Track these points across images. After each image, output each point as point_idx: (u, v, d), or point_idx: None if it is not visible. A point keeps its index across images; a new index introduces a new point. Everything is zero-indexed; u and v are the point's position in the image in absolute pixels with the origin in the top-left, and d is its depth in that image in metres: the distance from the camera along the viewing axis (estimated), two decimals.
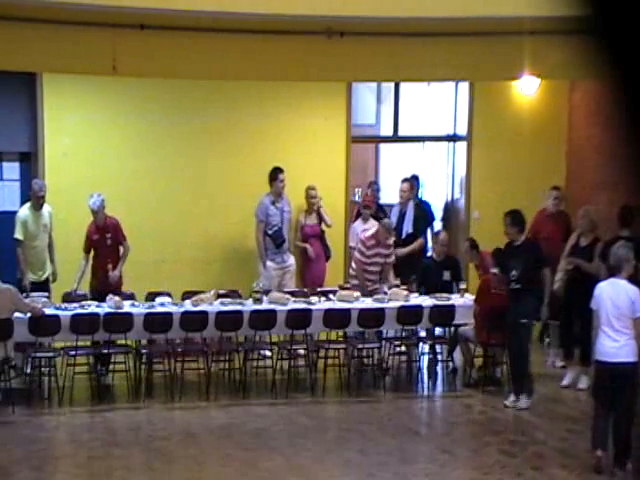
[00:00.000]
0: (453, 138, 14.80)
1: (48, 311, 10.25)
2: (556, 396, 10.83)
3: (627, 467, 8.14)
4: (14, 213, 11.66)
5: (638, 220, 10.53)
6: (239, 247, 13.23)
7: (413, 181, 13.59)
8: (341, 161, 13.58)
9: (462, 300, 11.39)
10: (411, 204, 12.87)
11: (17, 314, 9.92)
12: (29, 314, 10.00)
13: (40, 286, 11.38)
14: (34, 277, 11.48)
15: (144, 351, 10.95)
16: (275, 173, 12.45)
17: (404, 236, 12.68)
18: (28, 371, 10.70)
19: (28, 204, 11.53)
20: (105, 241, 11.35)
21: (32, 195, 11.48)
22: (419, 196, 13.89)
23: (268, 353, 11.60)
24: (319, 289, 12.17)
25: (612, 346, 8.05)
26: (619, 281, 8.18)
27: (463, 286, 11.87)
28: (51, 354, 10.50)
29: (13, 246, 11.41)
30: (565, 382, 11.04)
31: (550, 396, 10.77)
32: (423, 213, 13.27)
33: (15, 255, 11.40)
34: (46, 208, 11.58)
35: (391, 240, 12.02)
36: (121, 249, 11.42)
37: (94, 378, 10.83)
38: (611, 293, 8.14)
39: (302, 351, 11.47)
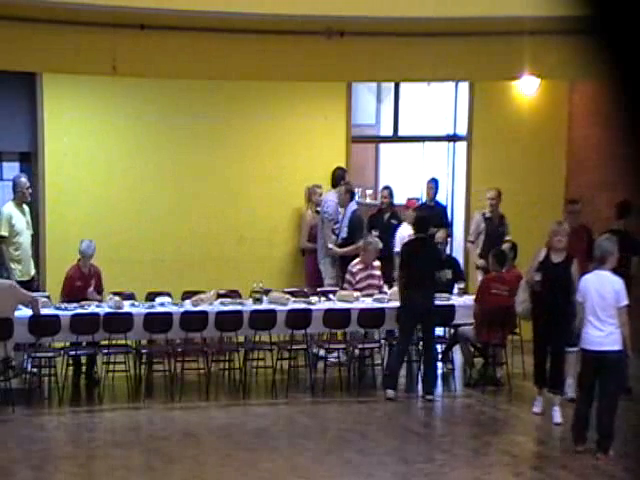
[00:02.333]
0: (453, 138, 14.79)
1: (48, 311, 10.24)
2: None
3: (610, 454, 8.31)
4: None
5: (635, 215, 10.48)
6: (239, 247, 13.22)
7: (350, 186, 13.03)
8: (341, 161, 13.55)
9: (462, 300, 11.40)
10: (349, 209, 12.58)
11: (17, 314, 9.92)
12: (30, 311, 9.99)
13: (26, 285, 10.97)
14: (21, 276, 11.31)
15: (144, 351, 10.97)
16: (345, 173, 12.43)
17: (340, 241, 12.54)
18: (28, 370, 10.69)
19: (11, 202, 11.50)
20: (88, 289, 10.88)
21: (18, 190, 11.38)
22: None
23: (334, 357, 11.45)
24: (319, 289, 12.17)
25: (598, 335, 8.27)
26: (604, 272, 8.41)
27: (462, 285, 11.87)
28: (51, 354, 10.50)
29: None
30: (537, 409, 10.09)
31: (549, 396, 10.75)
32: (359, 220, 12.64)
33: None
34: (25, 206, 11.57)
35: (378, 262, 11.83)
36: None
37: (93, 378, 10.85)
38: (596, 284, 8.36)
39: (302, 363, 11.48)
